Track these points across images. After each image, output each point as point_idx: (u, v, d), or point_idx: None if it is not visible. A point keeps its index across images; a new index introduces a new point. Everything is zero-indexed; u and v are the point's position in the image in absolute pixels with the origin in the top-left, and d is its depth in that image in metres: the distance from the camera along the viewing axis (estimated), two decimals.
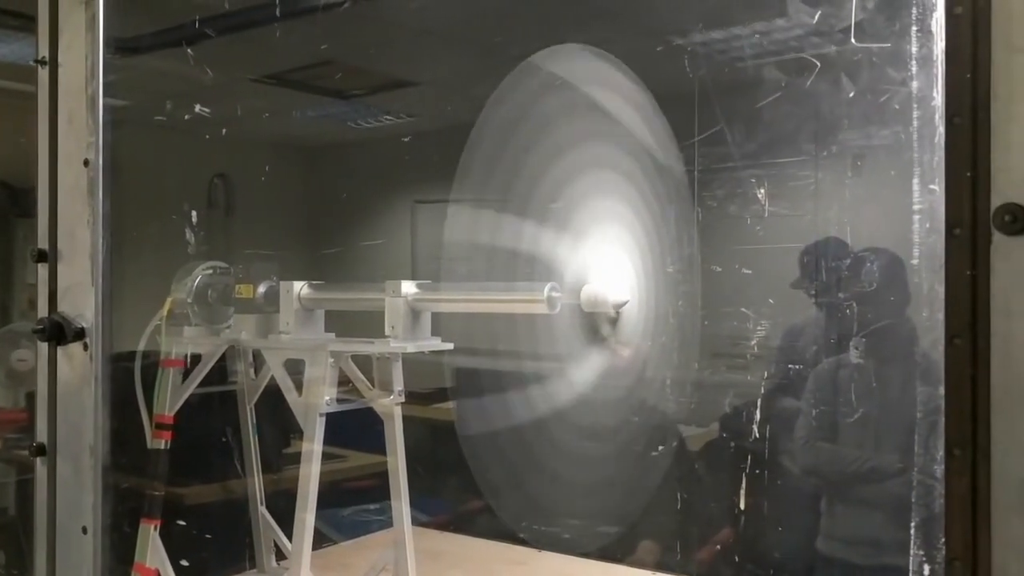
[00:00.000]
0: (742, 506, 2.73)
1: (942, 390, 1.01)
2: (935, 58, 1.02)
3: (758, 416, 2.67)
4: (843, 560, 2.75)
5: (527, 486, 2.29)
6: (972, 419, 0.99)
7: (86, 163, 1.74)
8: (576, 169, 2.08)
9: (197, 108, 2.78)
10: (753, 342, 2.72)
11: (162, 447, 2.39)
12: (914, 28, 1.05)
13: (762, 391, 2.76)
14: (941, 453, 1.02)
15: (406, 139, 4.27)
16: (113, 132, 1.79)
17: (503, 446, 2.20)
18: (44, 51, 1.81)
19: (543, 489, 2.32)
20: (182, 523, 2.79)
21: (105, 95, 1.75)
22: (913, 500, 1.05)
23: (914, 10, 1.04)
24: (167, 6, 2.84)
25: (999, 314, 0.98)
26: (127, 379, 2.32)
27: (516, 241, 2.12)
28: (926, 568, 1.04)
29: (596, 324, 2.08)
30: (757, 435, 2.66)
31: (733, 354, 2.86)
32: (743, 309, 2.67)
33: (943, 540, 1.01)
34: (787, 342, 2.89)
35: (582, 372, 2.12)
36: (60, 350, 1.78)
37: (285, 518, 2.35)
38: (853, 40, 1.72)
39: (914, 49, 1.05)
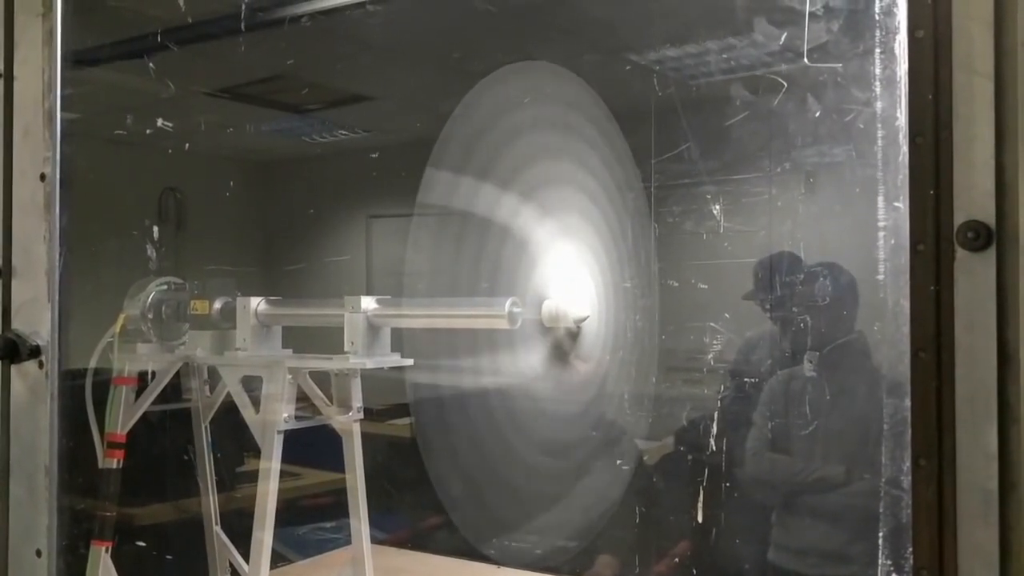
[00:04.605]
0: (699, 519, 2.75)
1: (908, 402, 1.04)
2: (898, 79, 1.06)
3: (714, 429, 2.70)
4: (794, 571, 2.79)
5: (487, 501, 2.29)
6: (937, 430, 1.02)
7: (42, 177, 1.71)
8: (536, 185, 2.10)
9: (160, 122, 2.74)
10: (709, 356, 2.76)
11: (114, 467, 2.34)
12: (878, 50, 1.08)
13: (718, 404, 2.79)
14: (907, 464, 1.04)
15: (374, 155, 4.26)
16: (68, 146, 1.76)
17: (463, 461, 2.20)
18: None
19: (502, 504, 2.32)
20: (139, 544, 2.74)
21: (62, 109, 1.72)
22: (880, 510, 1.07)
23: (878, 33, 1.08)
24: (123, 19, 2.80)
25: (962, 328, 1.01)
26: (78, 397, 2.27)
27: (477, 255, 2.12)
28: None
29: (557, 339, 2.10)
30: (713, 448, 2.69)
31: (690, 368, 2.89)
32: (700, 323, 2.71)
33: (910, 549, 1.03)
34: (742, 355, 2.93)
35: (542, 387, 2.12)
36: (14, 368, 1.74)
37: (241, 538, 2.31)
38: (806, 60, 1.76)
39: (878, 70, 1.08)
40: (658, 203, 2.76)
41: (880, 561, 1.07)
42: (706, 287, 2.71)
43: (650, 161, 2.61)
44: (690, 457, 2.87)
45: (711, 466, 2.72)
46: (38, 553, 1.71)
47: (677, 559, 3.06)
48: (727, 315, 2.73)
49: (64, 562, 1.75)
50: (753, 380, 2.81)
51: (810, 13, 1.61)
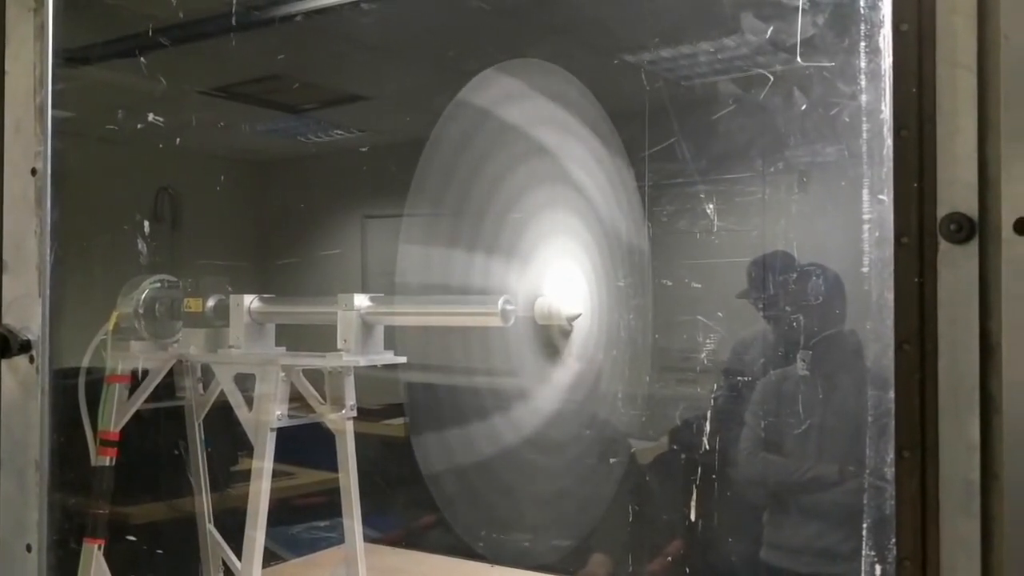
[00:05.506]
0: (692, 517, 2.75)
1: (892, 394, 1.04)
2: (883, 73, 1.06)
3: (708, 428, 2.71)
4: (787, 569, 2.79)
5: (480, 500, 2.29)
6: (921, 422, 1.03)
7: (34, 172, 1.71)
8: (528, 184, 2.10)
9: (151, 117, 2.74)
10: (703, 355, 2.76)
11: (107, 464, 2.34)
12: (863, 44, 1.09)
13: (712, 404, 2.79)
14: (891, 456, 1.05)
15: (364, 149, 4.26)
16: (60, 142, 1.76)
17: (457, 460, 2.20)
18: None
19: (496, 503, 2.32)
20: (130, 539, 2.74)
21: (53, 105, 1.73)
22: (864, 502, 1.07)
23: (863, 27, 1.08)
24: (116, 16, 2.80)
25: (945, 320, 1.02)
26: (71, 395, 2.27)
27: (470, 254, 2.12)
28: (877, 568, 1.07)
29: (550, 337, 2.10)
30: (707, 447, 2.69)
31: (683, 367, 2.89)
32: (694, 322, 2.71)
33: (894, 540, 1.04)
34: (736, 355, 2.94)
35: (535, 385, 2.13)
36: (4, 363, 1.74)
37: (234, 536, 2.31)
38: (799, 58, 1.76)
39: (863, 64, 1.09)
40: (652, 202, 2.76)
41: (864, 552, 1.07)
42: (700, 286, 2.72)
43: (643, 160, 2.62)
44: (683, 456, 2.87)
45: (704, 465, 2.72)
46: (28, 548, 1.72)
47: (670, 558, 3.06)
48: (720, 314, 2.74)
49: (55, 557, 1.75)
50: (747, 379, 2.81)
51: (796, 7, 1.62)
